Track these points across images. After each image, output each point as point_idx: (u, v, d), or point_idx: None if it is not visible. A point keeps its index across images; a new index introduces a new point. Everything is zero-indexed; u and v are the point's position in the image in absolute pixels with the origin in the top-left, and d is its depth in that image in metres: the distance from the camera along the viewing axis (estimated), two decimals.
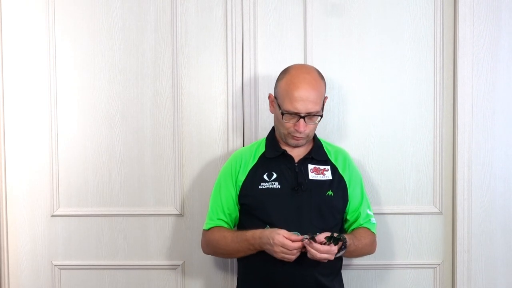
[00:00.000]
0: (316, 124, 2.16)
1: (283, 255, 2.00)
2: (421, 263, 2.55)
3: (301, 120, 2.10)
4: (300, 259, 2.04)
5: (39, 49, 2.52)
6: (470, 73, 2.48)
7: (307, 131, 2.13)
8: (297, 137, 2.14)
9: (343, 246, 2.06)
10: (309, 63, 2.48)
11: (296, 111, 2.09)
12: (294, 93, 2.09)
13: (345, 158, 2.28)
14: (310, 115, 2.10)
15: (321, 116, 2.14)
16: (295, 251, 1.99)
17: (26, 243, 2.56)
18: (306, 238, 1.98)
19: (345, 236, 2.10)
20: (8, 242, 2.55)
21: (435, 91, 2.51)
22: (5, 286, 2.55)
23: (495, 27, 2.48)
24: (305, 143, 2.20)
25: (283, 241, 1.98)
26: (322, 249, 1.97)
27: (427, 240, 2.55)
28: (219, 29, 2.51)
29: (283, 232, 2.01)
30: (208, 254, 2.32)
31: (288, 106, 2.10)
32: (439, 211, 2.54)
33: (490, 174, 2.50)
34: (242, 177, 2.20)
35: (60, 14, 2.51)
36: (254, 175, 2.19)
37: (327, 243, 1.98)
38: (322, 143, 2.28)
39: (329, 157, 2.25)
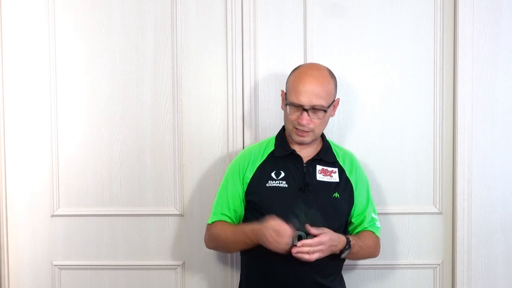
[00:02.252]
0: (321, 120, 2.14)
1: (275, 244, 1.98)
2: (421, 263, 2.56)
3: (305, 113, 2.10)
4: (301, 261, 2.03)
5: (39, 49, 2.52)
6: (470, 73, 2.48)
7: (311, 125, 2.12)
8: (301, 132, 2.14)
9: (347, 246, 2.07)
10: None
11: (299, 103, 2.10)
12: (300, 86, 2.10)
13: (353, 161, 2.28)
14: (314, 109, 2.10)
15: (325, 111, 2.12)
16: (286, 238, 1.97)
17: (26, 243, 2.56)
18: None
19: (349, 236, 2.11)
20: (8, 242, 2.55)
21: (435, 91, 2.51)
22: (5, 286, 2.55)
23: (495, 27, 2.48)
24: (311, 141, 2.19)
25: (274, 224, 1.97)
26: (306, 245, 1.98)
27: (427, 240, 2.55)
28: (219, 29, 2.51)
29: (276, 222, 1.99)
30: (210, 248, 2.31)
31: (293, 98, 2.11)
32: (439, 211, 2.54)
33: (490, 174, 2.50)
34: (250, 174, 2.20)
35: (60, 14, 2.51)
36: (262, 173, 2.19)
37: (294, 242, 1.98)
38: (331, 144, 2.28)
39: (338, 159, 2.25)
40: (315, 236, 1.99)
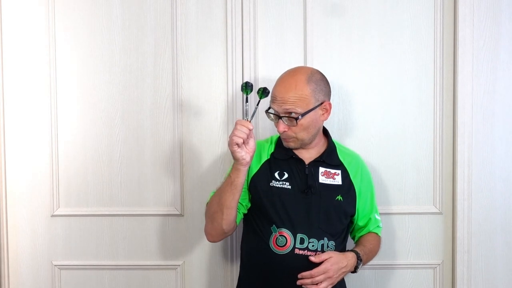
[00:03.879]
0: (299, 127, 2.09)
1: (233, 135, 1.97)
2: (421, 263, 2.56)
3: (280, 120, 2.09)
4: (304, 263, 2.05)
5: (39, 49, 2.52)
6: (470, 73, 2.48)
7: (290, 133, 2.10)
8: (285, 138, 2.14)
9: (359, 261, 2.10)
10: (309, 63, 2.48)
11: (274, 110, 2.10)
12: (274, 93, 2.10)
13: (358, 164, 2.26)
14: (289, 117, 2.07)
15: (296, 119, 2.06)
16: (244, 128, 1.97)
17: (26, 243, 2.56)
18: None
19: (355, 249, 2.14)
20: (8, 242, 2.55)
21: (435, 91, 2.51)
22: (5, 286, 2.55)
23: (495, 27, 2.48)
24: (298, 146, 2.16)
25: (237, 121, 2.00)
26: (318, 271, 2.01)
27: (427, 240, 2.55)
28: (219, 29, 2.51)
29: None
30: (211, 232, 2.16)
31: (270, 105, 2.12)
32: (439, 211, 2.54)
33: (490, 174, 2.50)
34: (254, 168, 2.18)
35: (60, 14, 2.52)
36: (266, 170, 2.17)
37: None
38: (336, 146, 2.25)
39: (342, 161, 2.22)
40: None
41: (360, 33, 2.51)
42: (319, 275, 2.02)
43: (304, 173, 2.16)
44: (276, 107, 2.09)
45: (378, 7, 2.50)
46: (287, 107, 2.06)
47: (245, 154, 2.01)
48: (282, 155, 2.19)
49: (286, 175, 2.16)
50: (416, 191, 2.54)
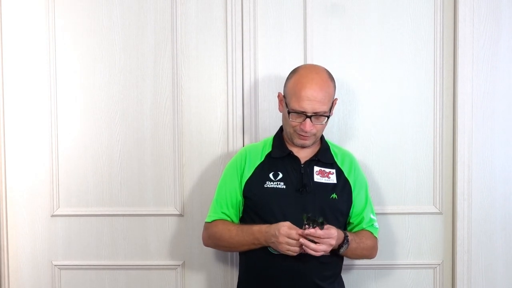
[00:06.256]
0: (323, 125, 2.15)
1: (287, 247, 1.98)
2: (421, 263, 2.56)
3: (308, 119, 2.09)
4: (302, 263, 2.04)
5: (39, 49, 2.52)
6: (470, 73, 2.48)
7: (314, 131, 2.12)
8: (303, 136, 2.13)
9: (345, 241, 2.07)
10: (309, 63, 2.48)
11: (302, 110, 2.08)
12: (301, 93, 2.08)
13: (351, 161, 2.27)
14: (317, 115, 2.09)
15: (328, 117, 2.13)
16: (298, 243, 1.97)
17: (26, 243, 2.56)
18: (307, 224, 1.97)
19: (346, 232, 2.11)
20: (8, 242, 2.55)
21: (435, 91, 2.51)
22: (5, 286, 2.55)
23: (495, 27, 2.48)
24: (312, 144, 2.18)
25: (289, 231, 1.98)
26: (318, 234, 1.95)
27: (427, 240, 2.55)
28: (219, 29, 2.51)
29: (288, 223, 2.01)
30: (208, 246, 2.30)
31: (295, 105, 2.09)
32: (439, 211, 2.54)
33: (490, 174, 2.50)
34: (248, 174, 2.19)
35: (60, 14, 2.51)
36: (260, 173, 2.18)
37: (306, 226, 1.96)
38: (330, 145, 2.27)
39: (336, 160, 2.24)
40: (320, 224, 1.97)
41: (360, 33, 2.51)
42: (326, 237, 1.98)
43: (299, 172, 2.16)
44: (307, 107, 2.07)
45: (378, 7, 2.50)
46: (320, 107, 2.08)
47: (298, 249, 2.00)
48: (280, 153, 2.20)
49: (280, 175, 2.16)
50: (416, 191, 2.54)
